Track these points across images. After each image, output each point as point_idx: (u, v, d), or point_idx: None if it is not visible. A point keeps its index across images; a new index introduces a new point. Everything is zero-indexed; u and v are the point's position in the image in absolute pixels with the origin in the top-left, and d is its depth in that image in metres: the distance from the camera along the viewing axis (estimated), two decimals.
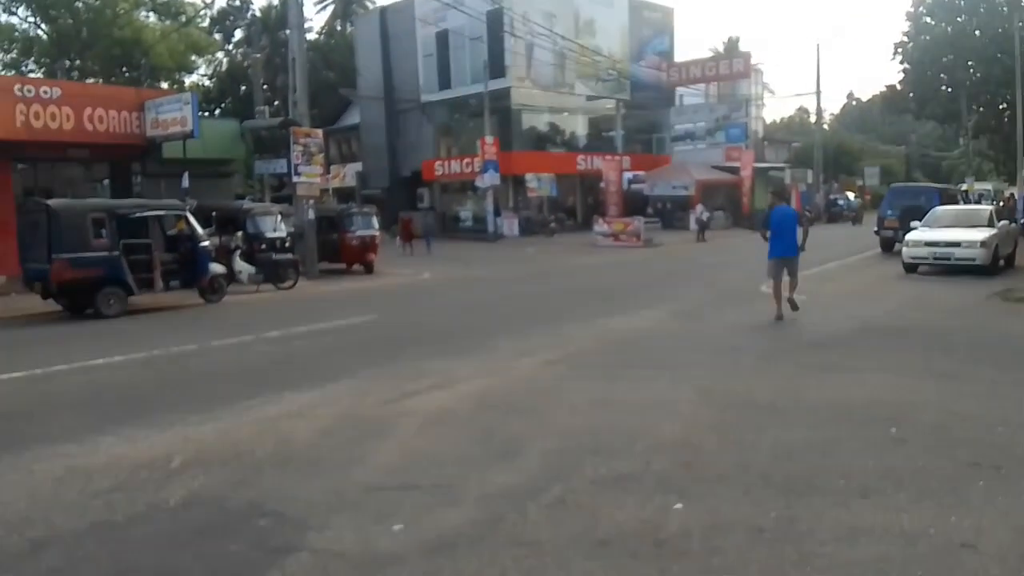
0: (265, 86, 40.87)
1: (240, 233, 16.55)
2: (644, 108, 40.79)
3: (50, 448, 5.34)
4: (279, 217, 18.36)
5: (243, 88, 47.59)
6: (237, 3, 49.71)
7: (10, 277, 15.23)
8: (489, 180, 30.88)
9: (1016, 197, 28.49)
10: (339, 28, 53.45)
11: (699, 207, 31.17)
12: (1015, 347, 8.61)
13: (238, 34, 50.30)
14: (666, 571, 3.39)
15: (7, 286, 15.24)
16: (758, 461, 4.79)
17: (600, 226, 28.41)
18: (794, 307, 10.34)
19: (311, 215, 18.91)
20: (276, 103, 41.22)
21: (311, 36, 49.04)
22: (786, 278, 10.39)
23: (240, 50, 50.28)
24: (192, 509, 4.30)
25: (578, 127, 39.37)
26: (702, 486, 4.40)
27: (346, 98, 43.44)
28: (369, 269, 20.08)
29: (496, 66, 32.50)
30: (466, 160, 33.99)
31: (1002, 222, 17.30)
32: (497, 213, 32.77)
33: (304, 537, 3.87)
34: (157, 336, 10.39)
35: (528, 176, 34.02)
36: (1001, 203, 26.88)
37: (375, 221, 20.95)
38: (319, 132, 20.25)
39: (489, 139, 30.77)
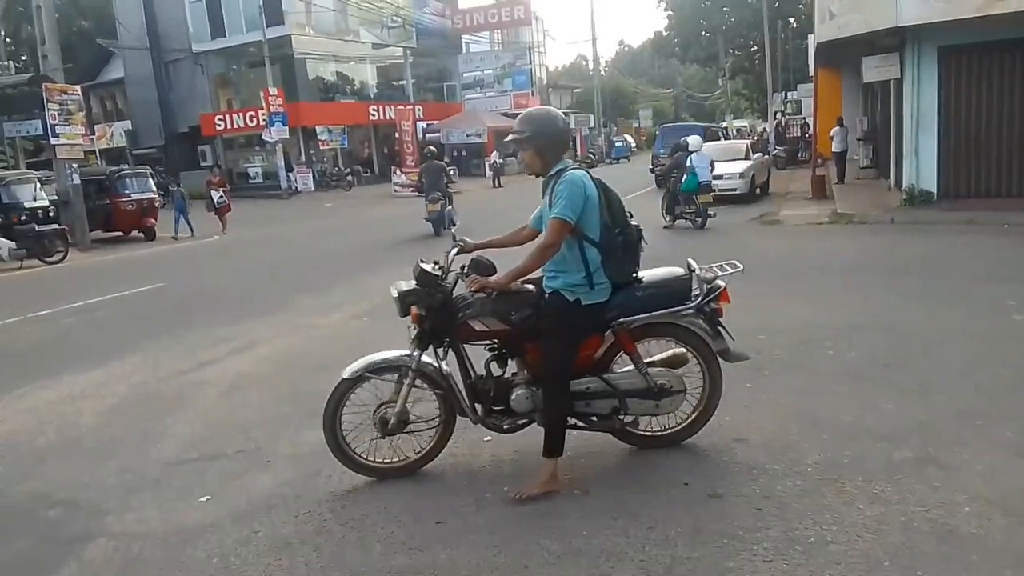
0: (8, 39, 35.84)
1: None
2: (432, 56, 40.62)
3: None
4: (38, 184, 16.63)
5: None
6: None
7: None
8: (277, 133, 29.44)
9: (768, 132, 31.84)
10: None
11: (493, 154, 31.90)
12: (772, 262, 9.73)
13: None
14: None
15: None
16: None
17: (398, 177, 28.19)
18: None
19: (76, 179, 17.13)
20: (24, 57, 36.43)
21: None
22: None
23: None
24: None
25: (367, 76, 38.46)
26: None
27: (106, 49, 39.11)
28: (150, 235, 18.58)
29: (273, 12, 30.64)
30: (250, 113, 32.06)
31: (757, 154, 19.38)
32: (289, 168, 31.40)
33: (101, 523, 3.63)
34: None
35: (319, 128, 32.86)
36: (755, 138, 29.88)
37: (151, 182, 19.41)
38: (76, 88, 18.19)
39: (273, 90, 29.25)
